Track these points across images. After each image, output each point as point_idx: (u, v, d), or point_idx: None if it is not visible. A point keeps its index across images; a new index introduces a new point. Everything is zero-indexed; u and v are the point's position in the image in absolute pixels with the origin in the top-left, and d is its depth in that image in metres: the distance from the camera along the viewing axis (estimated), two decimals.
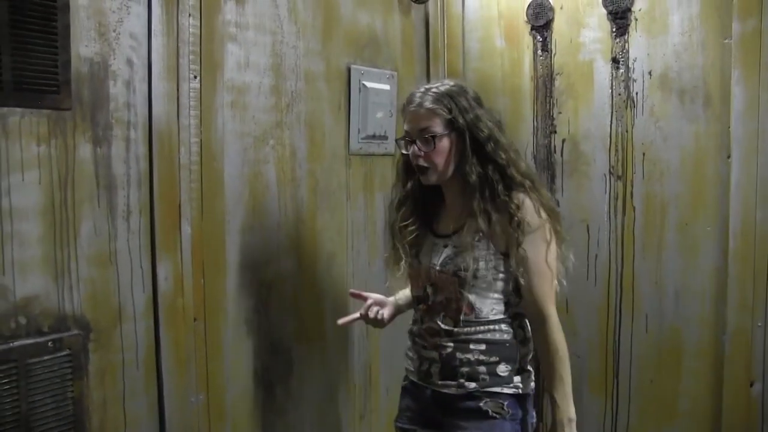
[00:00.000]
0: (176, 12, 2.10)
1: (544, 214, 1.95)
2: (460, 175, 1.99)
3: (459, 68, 3.13)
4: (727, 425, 2.55)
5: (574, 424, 1.96)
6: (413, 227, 2.11)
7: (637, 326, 2.79)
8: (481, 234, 1.96)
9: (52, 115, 1.80)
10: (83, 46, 1.87)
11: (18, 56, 1.73)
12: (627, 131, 2.75)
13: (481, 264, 1.96)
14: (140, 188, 2.03)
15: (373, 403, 2.93)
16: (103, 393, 1.96)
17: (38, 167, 1.80)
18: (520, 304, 2.03)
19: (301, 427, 2.61)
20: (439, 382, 2.03)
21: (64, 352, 1.84)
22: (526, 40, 3.00)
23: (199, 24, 2.16)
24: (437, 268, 2.03)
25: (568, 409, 1.95)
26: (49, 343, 1.81)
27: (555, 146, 2.94)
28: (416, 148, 1.98)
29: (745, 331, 2.48)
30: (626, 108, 2.75)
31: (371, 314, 2.23)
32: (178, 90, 2.10)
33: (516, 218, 1.92)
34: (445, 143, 1.97)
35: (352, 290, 2.33)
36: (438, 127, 1.96)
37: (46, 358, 1.80)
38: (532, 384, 2.05)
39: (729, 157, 2.50)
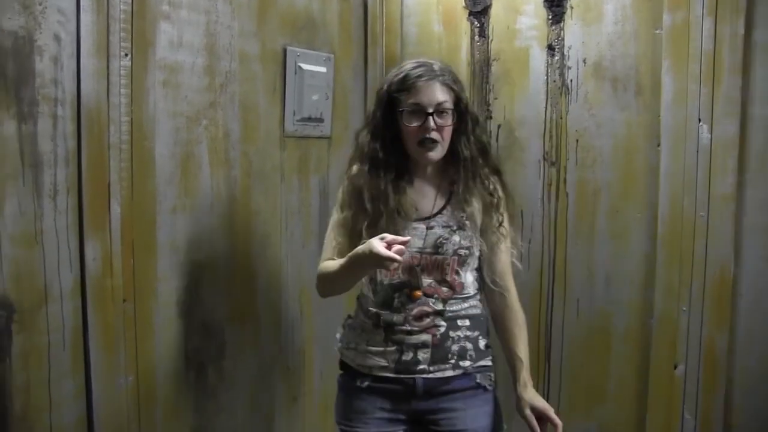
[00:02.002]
0: None
1: (508, 199, 2.15)
2: (449, 151, 2.07)
3: (397, 52, 3.12)
4: (652, 405, 2.61)
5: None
6: (384, 207, 2.04)
7: (568, 311, 2.83)
8: (465, 211, 2.07)
9: None
10: (6, 19, 1.80)
11: None
12: (561, 118, 2.78)
13: (474, 241, 2.08)
14: (68, 167, 1.98)
15: (306, 386, 2.93)
16: (27, 375, 1.92)
17: None
18: (487, 278, 2.14)
19: (233, 410, 2.60)
20: (431, 368, 2.04)
21: None
22: (464, 25, 3.01)
23: (130, 1, 2.11)
24: (428, 251, 2.05)
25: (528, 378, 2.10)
26: None
27: (490, 132, 2.95)
28: (433, 121, 1.99)
29: (670, 315, 2.53)
30: (561, 95, 2.78)
31: None
32: (108, 67, 2.05)
33: (495, 199, 2.10)
34: (452, 119, 2.03)
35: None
36: (450, 103, 2.02)
37: None
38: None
39: (659, 145, 2.55)
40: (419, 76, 2.00)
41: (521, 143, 2.88)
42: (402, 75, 2.03)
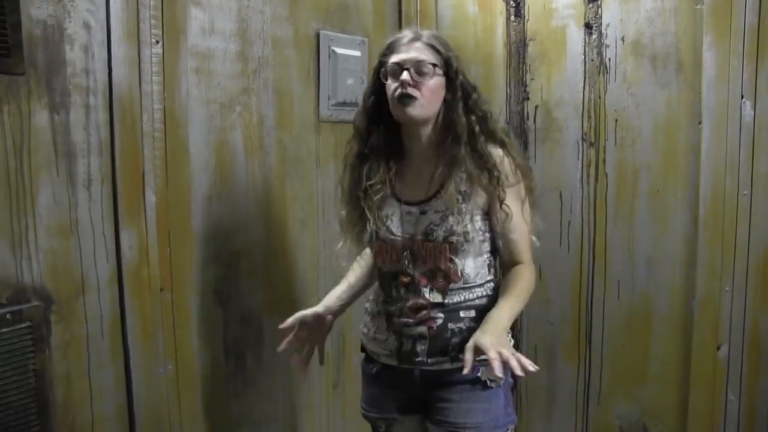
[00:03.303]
0: None
1: (519, 172, 1.95)
2: (443, 124, 1.95)
3: None
4: (694, 387, 2.56)
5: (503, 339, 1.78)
6: (379, 187, 1.99)
7: (609, 293, 2.79)
8: (462, 194, 1.91)
9: (3, 79, 1.75)
10: (35, 8, 1.81)
11: None
12: (600, 98, 2.73)
13: (470, 227, 1.91)
14: (101, 156, 1.99)
15: (345, 373, 2.92)
16: (67, 365, 1.94)
17: None
18: (499, 260, 2.03)
19: (272, 396, 2.61)
20: (429, 360, 1.95)
21: (24, 324, 1.81)
22: (499, 6, 2.95)
23: None
24: (419, 237, 1.94)
25: (505, 324, 1.85)
26: (8, 315, 1.78)
27: (528, 113, 2.91)
28: (408, 75, 1.88)
29: (713, 296, 2.48)
30: (599, 74, 2.72)
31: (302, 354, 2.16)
32: (139, 55, 2.06)
33: (496, 174, 1.90)
34: (437, 80, 1.91)
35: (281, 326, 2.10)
36: (432, 62, 1.90)
37: (4, 330, 1.77)
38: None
39: (700, 123, 2.48)
40: (401, 38, 1.95)
41: (559, 124, 2.83)
42: (388, 41, 1.99)
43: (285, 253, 2.62)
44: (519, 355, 1.66)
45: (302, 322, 2.10)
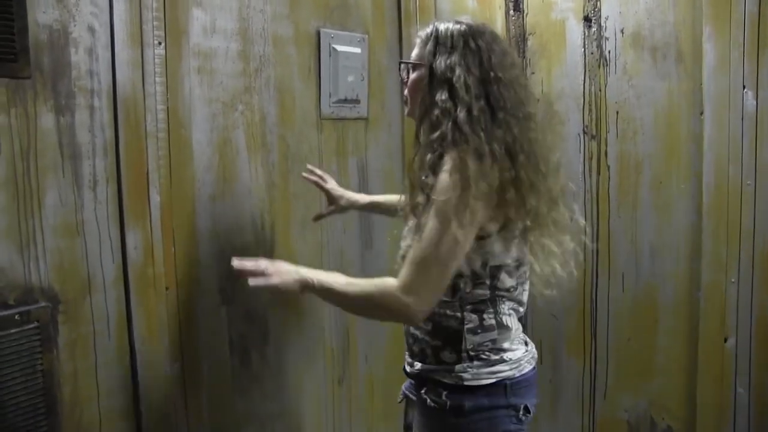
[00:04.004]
0: None
1: (461, 185, 1.61)
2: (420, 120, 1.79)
3: None
4: (702, 380, 2.57)
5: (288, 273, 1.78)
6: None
7: (613, 285, 2.80)
8: (416, 206, 1.72)
9: (10, 83, 1.76)
10: (41, 13, 1.82)
11: None
12: (600, 90, 2.74)
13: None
14: (106, 157, 2.00)
15: (351, 369, 2.93)
16: (74, 365, 1.94)
17: None
18: None
19: (279, 394, 2.61)
20: (408, 359, 1.94)
21: (32, 325, 1.82)
22: (498, 0, 2.97)
23: None
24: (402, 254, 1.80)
25: (309, 276, 1.77)
26: (16, 316, 1.78)
27: None
28: (400, 75, 1.92)
29: (719, 287, 2.49)
30: (599, 67, 2.73)
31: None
32: (142, 57, 2.06)
33: (430, 182, 1.68)
34: (415, 75, 1.83)
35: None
36: (416, 59, 1.83)
37: (13, 331, 1.77)
38: (494, 375, 1.78)
39: (701, 114, 2.49)
40: None
41: (560, 117, 2.83)
42: None
43: (289, 250, 2.62)
44: (270, 278, 1.76)
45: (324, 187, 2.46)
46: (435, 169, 1.67)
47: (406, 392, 1.99)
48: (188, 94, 2.21)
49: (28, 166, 1.81)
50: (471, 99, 1.69)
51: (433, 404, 1.80)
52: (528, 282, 1.88)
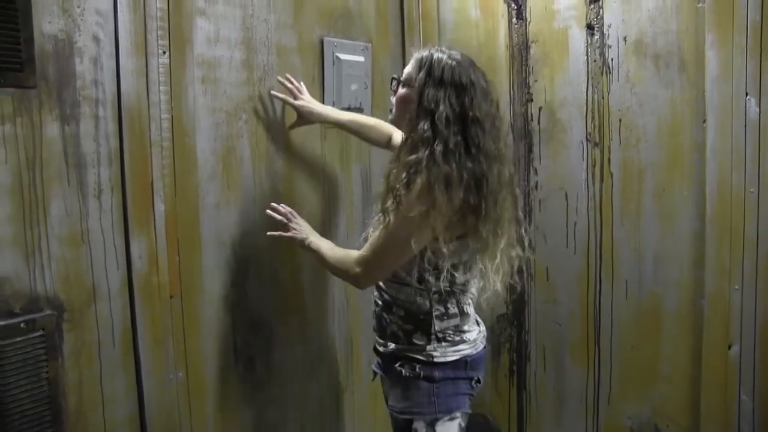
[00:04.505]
0: None
1: (427, 204, 1.85)
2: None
3: (434, 39, 3.11)
4: (706, 387, 2.56)
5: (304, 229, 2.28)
6: None
7: (617, 293, 2.79)
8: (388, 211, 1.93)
9: (16, 93, 1.77)
10: (46, 23, 1.83)
11: None
12: (603, 98, 2.74)
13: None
14: (111, 166, 2.01)
15: (355, 376, 2.94)
16: (79, 373, 1.95)
17: (4, 146, 1.77)
18: None
19: (283, 402, 2.62)
20: (379, 339, 2.20)
21: (38, 333, 1.83)
22: (501, 8, 2.97)
23: None
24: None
25: (310, 238, 2.25)
26: (22, 324, 1.79)
27: (532, 114, 2.92)
28: (391, 86, 2.12)
29: (722, 294, 2.48)
30: (602, 74, 2.73)
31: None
32: (146, 66, 2.08)
33: (399, 189, 1.88)
34: (403, 92, 2.04)
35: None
36: (409, 77, 2.01)
37: (18, 339, 1.79)
38: (458, 353, 2.08)
39: (704, 121, 2.49)
40: None
41: (563, 125, 2.84)
42: None
43: (293, 258, 2.63)
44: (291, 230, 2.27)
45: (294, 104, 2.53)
46: (408, 185, 1.87)
47: (376, 370, 2.27)
48: (192, 103, 2.22)
49: (33, 175, 1.82)
50: (449, 134, 1.88)
51: (408, 374, 2.08)
52: (478, 277, 2.15)
